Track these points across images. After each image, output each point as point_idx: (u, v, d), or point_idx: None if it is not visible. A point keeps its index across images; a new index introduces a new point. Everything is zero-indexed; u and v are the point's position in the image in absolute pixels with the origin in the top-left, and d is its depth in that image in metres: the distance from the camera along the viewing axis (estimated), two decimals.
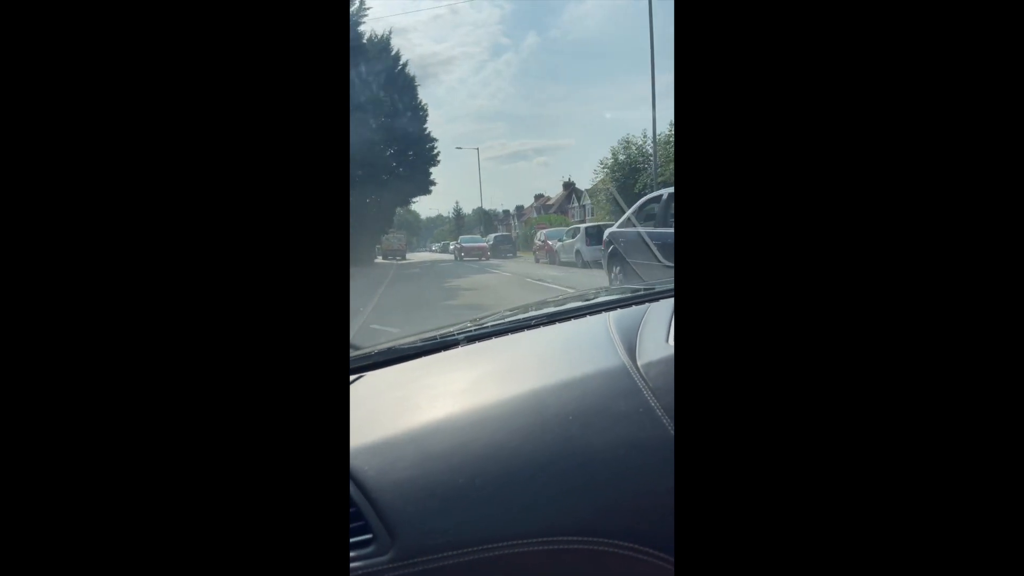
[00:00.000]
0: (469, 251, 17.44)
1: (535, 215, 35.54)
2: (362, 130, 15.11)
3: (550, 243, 12.45)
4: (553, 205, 35.19)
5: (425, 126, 19.66)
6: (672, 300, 0.72)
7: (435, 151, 20.11)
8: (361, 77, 14.98)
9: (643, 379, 0.53)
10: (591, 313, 0.77)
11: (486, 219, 35.79)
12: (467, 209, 50.60)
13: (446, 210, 50.52)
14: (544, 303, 0.99)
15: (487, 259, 16.77)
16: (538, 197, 40.32)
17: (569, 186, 35.84)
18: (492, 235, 22.24)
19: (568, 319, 0.77)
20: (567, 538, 0.43)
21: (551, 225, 21.84)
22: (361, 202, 17.49)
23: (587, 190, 28.67)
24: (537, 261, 13.33)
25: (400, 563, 0.42)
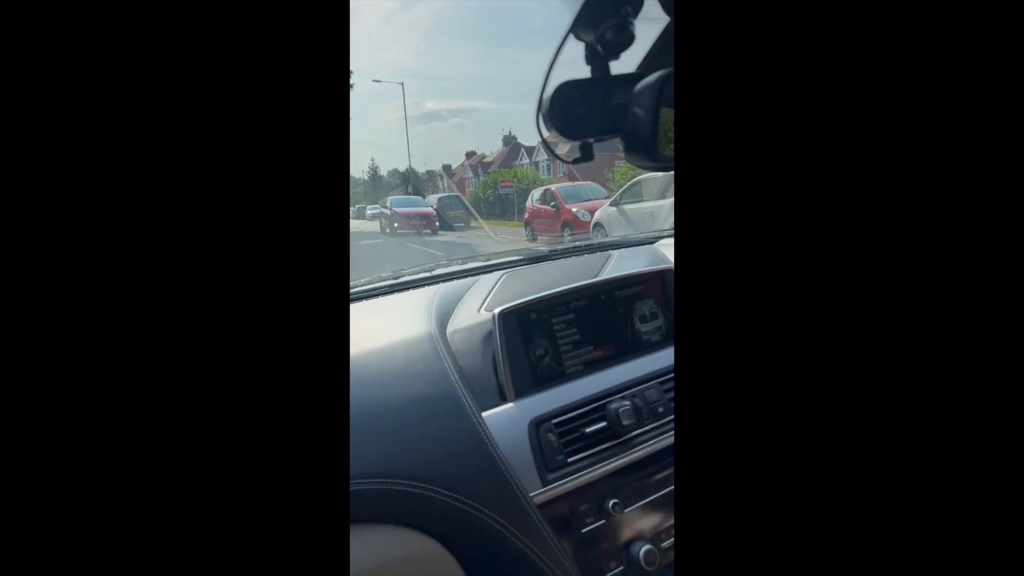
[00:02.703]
0: (406, 220, 11.55)
1: (470, 175, 30.00)
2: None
3: (573, 209, 7.04)
4: (494, 163, 29.48)
5: None
6: (502, 272, 0.89)
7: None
8: None
9: (445, 345, 0.67)
10: (431, 284, 0.89)
11: (415, 179, 29.37)
12: (383, 170, 43.71)
13: (358, 171, 43.14)
14: (400, 272, 1.05)
15: (435, 231, 11.05)
16: (470, 155, 34.47)
17: (510, 140, 30.58)
18: (436, 196, 16.06)
19: (414, 288, 0.89)
20: (360, 480, 0.53)
21: (518, 180, 16.17)
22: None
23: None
24: (535, 239, 7.93)
25: None
